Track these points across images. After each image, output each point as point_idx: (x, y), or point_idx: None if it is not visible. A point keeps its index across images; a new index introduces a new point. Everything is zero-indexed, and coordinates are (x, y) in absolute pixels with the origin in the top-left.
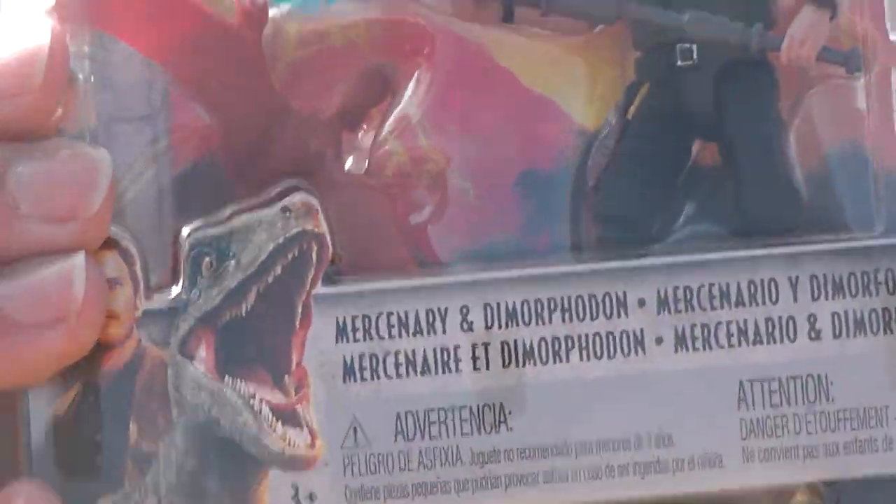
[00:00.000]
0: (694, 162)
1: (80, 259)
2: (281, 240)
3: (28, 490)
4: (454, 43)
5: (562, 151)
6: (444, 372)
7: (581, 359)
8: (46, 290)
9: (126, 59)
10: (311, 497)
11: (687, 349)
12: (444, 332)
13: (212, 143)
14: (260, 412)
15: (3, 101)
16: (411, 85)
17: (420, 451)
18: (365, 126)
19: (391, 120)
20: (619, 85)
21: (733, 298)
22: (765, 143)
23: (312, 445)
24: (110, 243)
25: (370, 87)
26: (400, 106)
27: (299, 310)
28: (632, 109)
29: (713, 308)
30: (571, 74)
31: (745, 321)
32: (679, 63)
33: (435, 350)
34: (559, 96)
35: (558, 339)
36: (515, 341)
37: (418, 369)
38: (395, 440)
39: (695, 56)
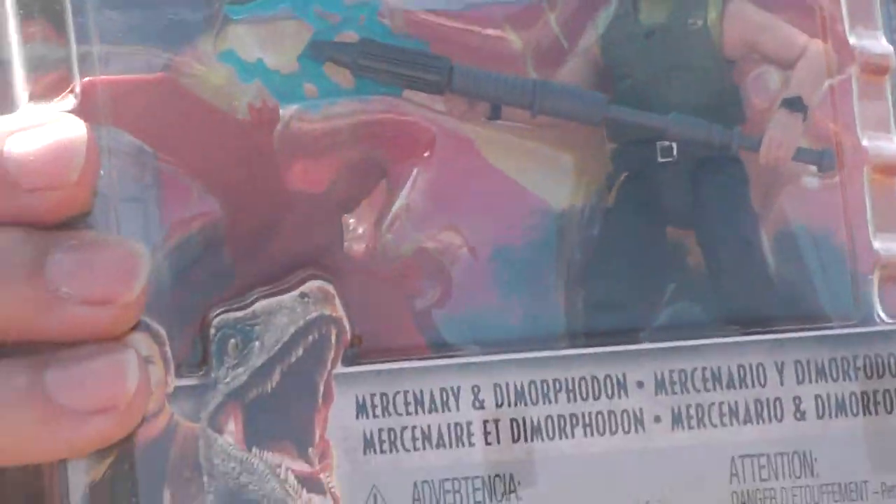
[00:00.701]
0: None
1: (132, 355)
2: (301, 323)
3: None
4: (448, 138)
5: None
6: (457, 446)
7: (585, 435)
8: (100, 381)
9: (132, 148)
10: None
11: (683, 427)
12: (457, 409)
13: (218, 231)
14: (286, 480)
15: (39, 194)
16: (411, 178)
17: None
18: (360, 214)
19: (393, 211)
20: (602, 176)
21: (725, 381)
22: (739, 234)
23: None
24: (140, 324)
25: (366, 176)
26: (400, 198)
27: (321, 388)
28: (610, 197)
29: (706, 390)
30: (558, 166)
31: (736, 402)
32: (659, 159)
33: (449, 426)
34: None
35: (564, 416)
36: (524, 418)
37: (434, 443)
38: None
39: (675, 153)
